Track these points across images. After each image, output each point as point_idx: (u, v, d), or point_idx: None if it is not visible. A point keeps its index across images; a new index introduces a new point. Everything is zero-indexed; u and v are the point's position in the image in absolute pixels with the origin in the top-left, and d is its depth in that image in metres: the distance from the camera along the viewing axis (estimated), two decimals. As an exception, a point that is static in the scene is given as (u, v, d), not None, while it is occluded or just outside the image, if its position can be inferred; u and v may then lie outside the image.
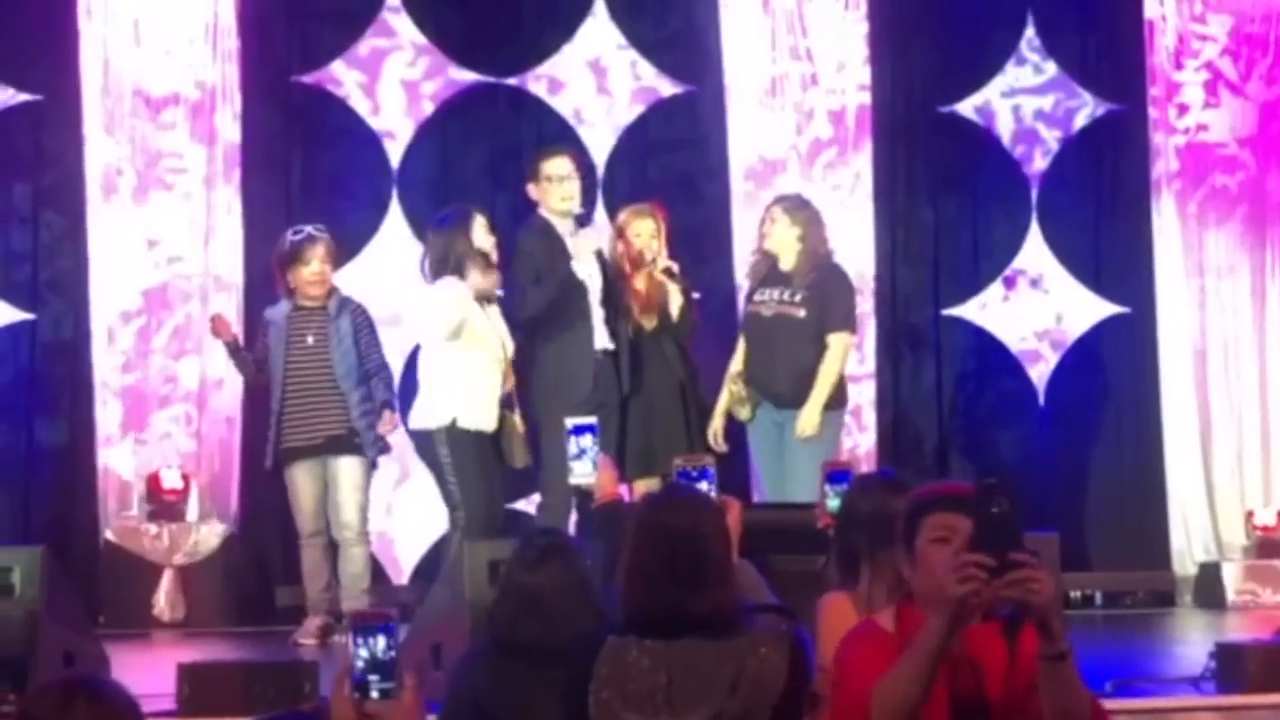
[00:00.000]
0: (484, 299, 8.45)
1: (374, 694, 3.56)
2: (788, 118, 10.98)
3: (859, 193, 10.91)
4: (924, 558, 3.80)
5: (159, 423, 10.38)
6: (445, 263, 8.43)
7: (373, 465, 8.87)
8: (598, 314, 8.42)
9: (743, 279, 9.55)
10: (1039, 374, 11.26)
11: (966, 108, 11.28)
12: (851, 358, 9.14)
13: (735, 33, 10.95)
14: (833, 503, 5.00)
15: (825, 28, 11.03)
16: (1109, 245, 11.37)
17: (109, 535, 10.15)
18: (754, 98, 10.97)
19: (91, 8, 10.41)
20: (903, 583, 4.37)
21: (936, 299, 11.20)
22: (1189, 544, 11.03)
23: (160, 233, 10.45)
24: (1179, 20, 11.36)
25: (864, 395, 10.50)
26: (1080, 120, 11.37)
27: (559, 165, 8.65)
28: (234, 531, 10.25)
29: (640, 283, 8.45)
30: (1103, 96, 11.35)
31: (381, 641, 3.65)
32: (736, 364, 8.81)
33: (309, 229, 8.86)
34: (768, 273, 8.80)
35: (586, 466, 5.89)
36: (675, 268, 8.41)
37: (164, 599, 10.02)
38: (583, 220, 8.61)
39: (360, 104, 10.77)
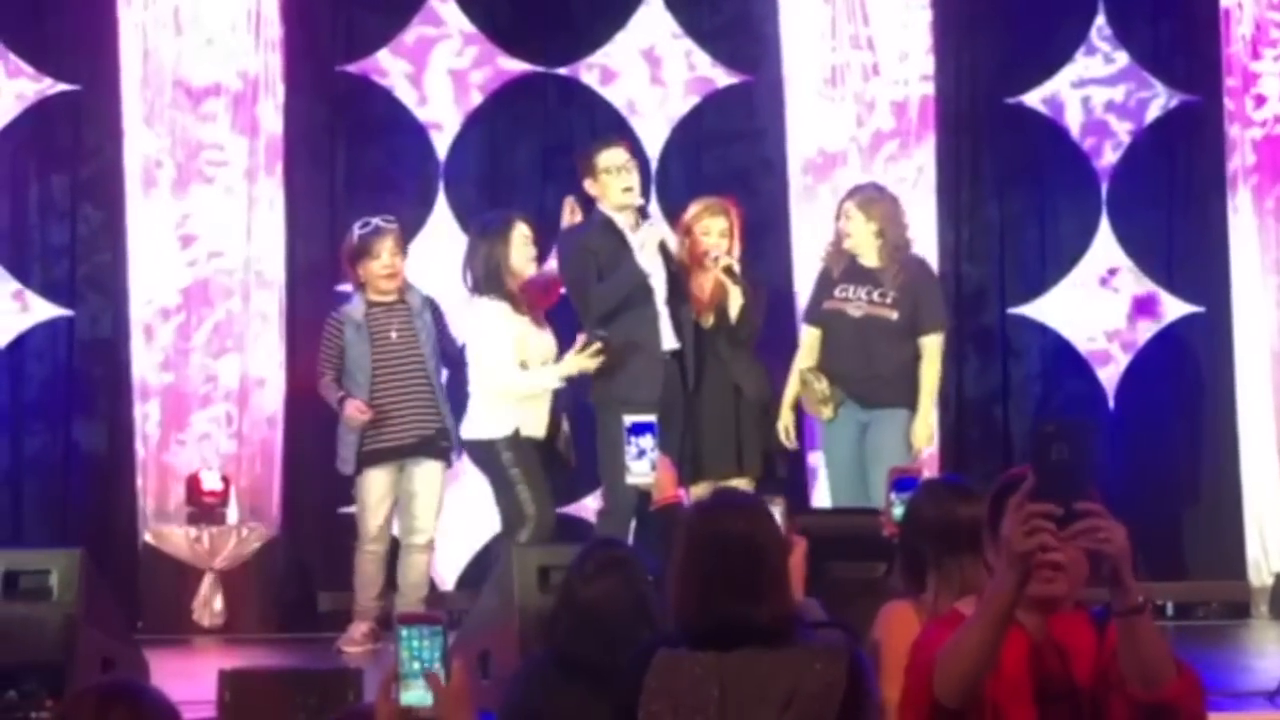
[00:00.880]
0: (521, 305, 8.46)
1: (423, 692, 3.57)
2: (848, 109, 10.92)
3: (922, 187, 10.82)
4: (1010, 522, 3.59)
5: (199, 423, 10.38)
6: (484, 276, 8.49)
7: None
8: (663, 312, 8.38)
9: (803, 277, 9.49)
10: (1109, 376, 11.18)
11: (1034, 99, 11.20)
12: (942, 357, 9.04)
13: (794, 20, 10.89)
14: (898, 510, 4.96)
15: (887, 15, 10.97)
16: (1182, 242, 11.30)
17: (148, 538, 10.17)
18: (813, 88, 10.91)
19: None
20: (968, 591, 4.36)
21: (1003, 297, 11.14)
22: (1265, 554, 10.92)
23: (200, 227, 10.44)
24: (1256, 7, 11.28)
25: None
26: (1153, 112, 11.29)
27: (615, 156, 8.60)
28: (275, 535, 10.25)
29: (701, 282, 8.41)
30: (1176, 87, 11.27)
31: (430, 644, 3.65)
32: (809, 359, 8.78)
33: (376, 220, 8.90)
34: (849, 267, 8.78)
35: (645, 467, 5.89)
36: (737, 268, 8.37)
37: (204, 604, 10.06)
38: (643, 213, 8.54)
39: (406, 94, 10.75)
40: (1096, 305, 11.25)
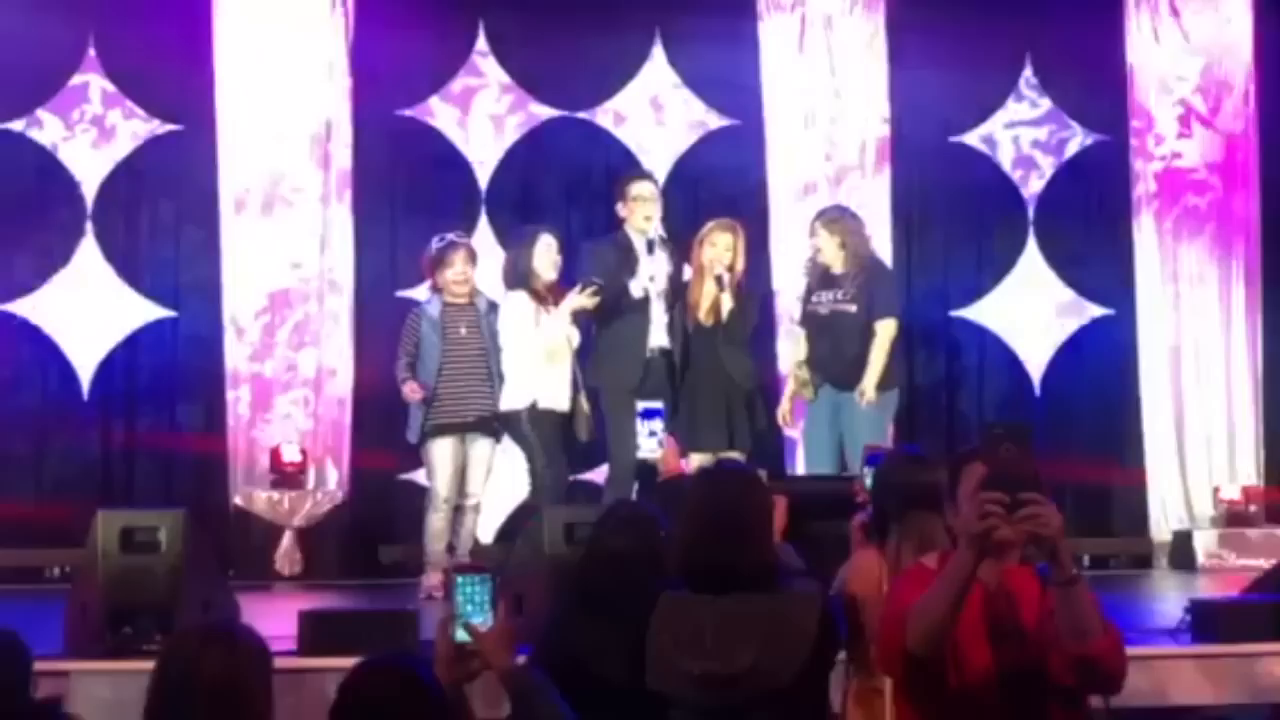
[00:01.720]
0: (545, 302, 8.44)
1: (474, 628, 3.57)
2: (818, 146, 10.94)
3: (880, 211, 10.81)
4: (967, 506, 3.71)
5: (281, 405, 10.40)
6: (513, 275, 8.54)
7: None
8: (660, 319, 8.38)
9: (780, 284, 9.48)
10: (1035, 367, 11.20)
11: (973, 138, 11.27)
12: (893, 338, 8.89)
13: (774, 74, 10.95)
14: (869, 481, 4.92)
15: (850, 68, 11.00)
16: (1096, 256, 11.34)
17: (238, 501, 10.18)
18: (790, 129, 10.93)
19: (225, 50, 10.42)
20: (929, 541, 4.36)
21: (946, 302, 11.16)
22: (1165, 516, 11.03)
23: (283, 243, 10.45)
24: (1158, 61, 11.30)
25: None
26: (1071, 149, 11.36)
27: (644, 188, 8.68)
28: (344, 498, 10.25)
29: (697, 287, 8.43)
30: (1090, 128, 11.35)
31: (480, 590, 3.66)
32: (799, 354, 8.82)
33: (451, 236, 8.89)
34: (822, 276, 8.82)
35: (653, 444, 5.96)
36: (726, 278, 8.37)
37: (284, 555, 10.06)
38: (651, 246, 8.53)
39: (454, 134, 10.77)
40: (1025, 308, 11.25)
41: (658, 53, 10.92)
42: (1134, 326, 11.21)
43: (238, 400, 10.36)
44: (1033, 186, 11.29)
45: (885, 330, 8.71)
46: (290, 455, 10.19)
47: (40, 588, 8.99)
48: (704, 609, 4.05)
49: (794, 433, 9.44)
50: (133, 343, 10.45)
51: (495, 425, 8.60)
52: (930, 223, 11.17)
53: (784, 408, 8.95)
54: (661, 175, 10.32)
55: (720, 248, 8.45)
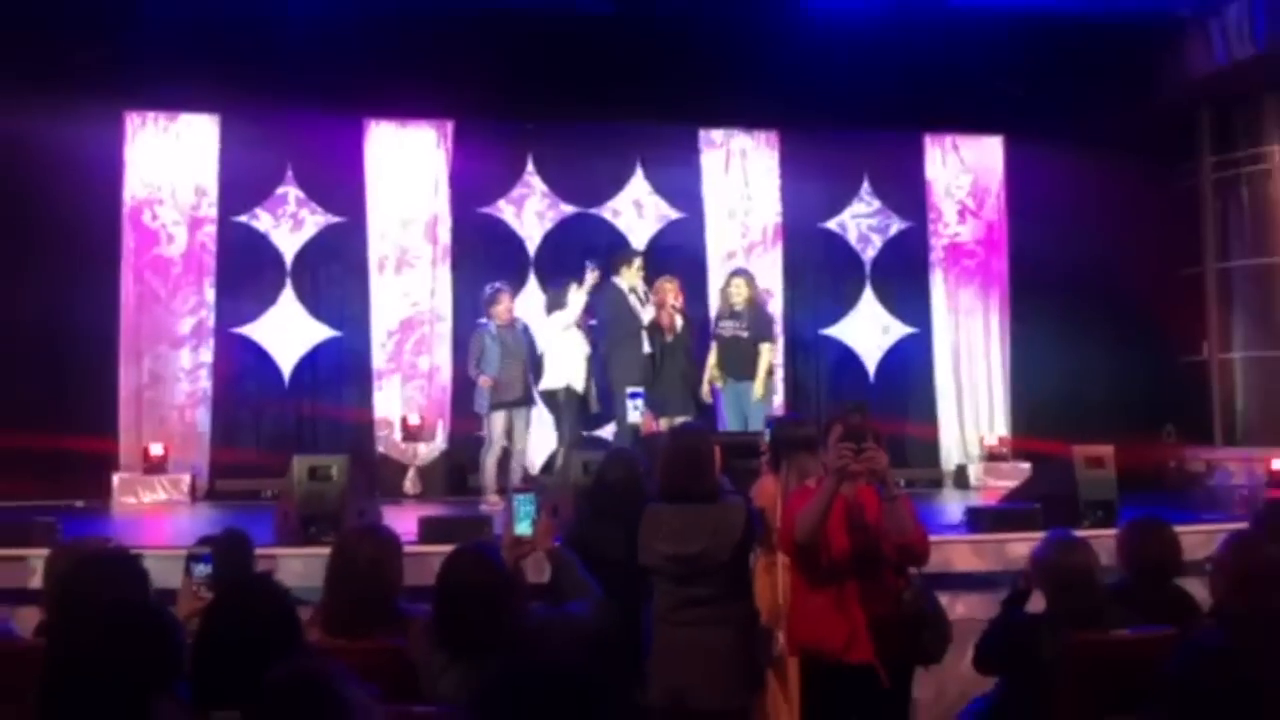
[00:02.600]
0: (573, 326, 8.55)
1: (527, 527, 3.58)
2: (737, 230, 10.94)
3: (775, 270, 10.84)
4: (832, 451, 3.87)
5: (407, 390, 10.37)
6: (553, 308, 8.67)
7: None
8: (645, 336, 8.46)
9: (714, 315, 9.50)
10: (871, 364, 11.20)
11: (832, 224, 11.23)
12: (771, 356, 9.02)
13: (710, 185, 10.94)
14: (768, 435, 4.95)
15: (757, 181, 11.00)
16: (906, 295, 11.28)
17: (381, 449, 10.16)
18: (718, 219, 10.92)
19: (372, 170, 10.42)
20: (805, 471, 4.37)
21: (816, 324, 11.12)
22: (949, 456, 11.02)
23: (408, 290, 10.43)
24: (945, 176, 11.33)
25: (779, 376, 10.41)
26: (892, 231, 11.31)
27: (636, 261, 8.91)
28: (445, 447, 10.22)
29: (662, 316, 8.46)
30: (903, 218, 11.32)
31: (530, 500, 3.68)
32: (712, 359, 8.80)
33: (497, 284, 9.00)
34: (729, 311, 8.79)
35: (637, 415, 5.95)
36: (678, 307, 8.42)
37: (410, 482, 10.07)
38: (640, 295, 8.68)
39: (514, 222, 10.74)
40: (864, 328, 11.23)
41: (639, 172, 10.89)
42: (930, 339, 11.20)
43: (380, 389, 10.33)
44: (869, 254, 11.24)
45: (766, 350, 8.78)
46: (413, 420, 10.20)
47: (259, 503, 8.96)
48: (673, 514, 4.07)
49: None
50: (315, 352, 10.40)
51: (531, 402, 8.66)
52: (807, 274, 11.10)
53: (705, 389, 8.89)
54: (640, 248, 10.33)
55: (670, 291, 8.65)
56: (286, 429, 10.24)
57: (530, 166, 10.74)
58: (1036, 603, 4.00)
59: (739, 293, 8.73)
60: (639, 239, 10.65)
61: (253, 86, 9.43)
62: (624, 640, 4.19)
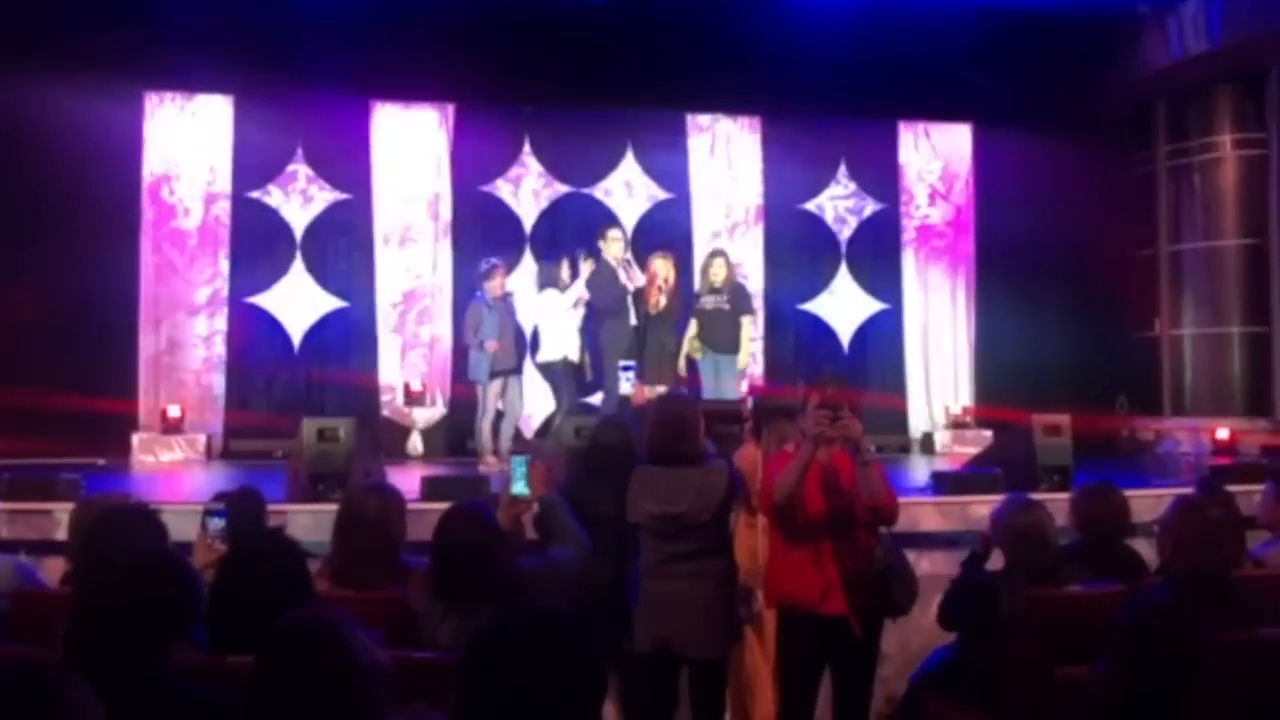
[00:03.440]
0: (563, 294, 8.48)
1: (523, 488, 3.59)
2: (721, 209, 10.90)
3: (757, 248, 10.81)
4: (809, 419, 3.85)
5: (410, 357, 10.36)
6: (546, 282, 8.62)
7: None
8: (632, 309, 8.38)
9: (696, 291, 9.47)
10: (845, 337, 11.21)
11: (810, 205, 11.22)
12: (752, 329, 8.95)
13: (696, 168, 10.91)
14: (750, 404, 4.95)
15: (740, 164, 10.96)
16: (880, 274, 11.30)
17: (385, 413, 10.15)
18: (704, 200, 10.89)
19: (378, 150, 10.35)
20: (784, 438, 4.37)
21: (795, 300, 11.10)
22: (916, 424, 11.05)
23: (411, 263, 10.38)
24: (916, 162, 11.32)
25: (758, 347, 10.42)
26: (866, 212, 11.32)
27: (616, 234, 8.74)
28: (445, 412, 10.22)
29: (650, 291, 8.41)
30: (878, 200, 11.32)
31: (523, 462, 3.69)
32: (692, 331, 8.66)
33: (494, 260, 8.83)
34: (710, 286, 8.67)
35: (628, 386, 5.93)
36: (666, 287, 8.36)
37: (411, 444, 10.06)
38: (625, 263, 8.56)
39: (511, 201, 10.70)
40: (839, 304, 11.24)
41: (629, 155, 10.84)
42: (901, 314, 11.23)
43: (383, 356, 10.30)
44: (844, 234, 11.25)
45: (746, 322, 8.70)
46: (415, 386, 10.18)
47: (270, 462, 8.96)
48: (660, 476, 4.07)
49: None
50: (323, 322, 10.37)
51: (522, 368, 8.56)
52: (786, 253, 11.08)
53: (681, 361, 8.66)
54: (630, 227, 10.30)
55: (663, 267, 8.47)
56: (296, 393, 10.22)
57: (527, 148, 10.68)
58: (996, 563, 4.04)
59: (718, 271, 8.70)
60: (629, 218, 10.61)
61: (265, 69, 9.37)
62: (612, 590, 4.23)
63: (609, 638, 4.46)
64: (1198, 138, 10.85)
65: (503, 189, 10.66)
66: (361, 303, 10.35)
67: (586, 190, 10.77)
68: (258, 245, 10.23)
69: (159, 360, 9.92)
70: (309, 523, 5.32)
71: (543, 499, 3.74)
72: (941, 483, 6.29)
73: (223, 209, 10.13)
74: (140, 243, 9.96)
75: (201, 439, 9.60)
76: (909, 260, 11.25)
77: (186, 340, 10.00)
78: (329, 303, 10.37)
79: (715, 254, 8.94)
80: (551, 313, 8.43)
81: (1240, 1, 9.47)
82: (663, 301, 8.36)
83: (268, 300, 10.27)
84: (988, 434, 10.26)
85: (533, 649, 1.41)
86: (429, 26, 9.29)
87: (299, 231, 10.32)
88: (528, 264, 10.30)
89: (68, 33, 8.86)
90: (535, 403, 9.54)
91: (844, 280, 11.20)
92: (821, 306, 11.18)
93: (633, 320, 8.40)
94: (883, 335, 11.22)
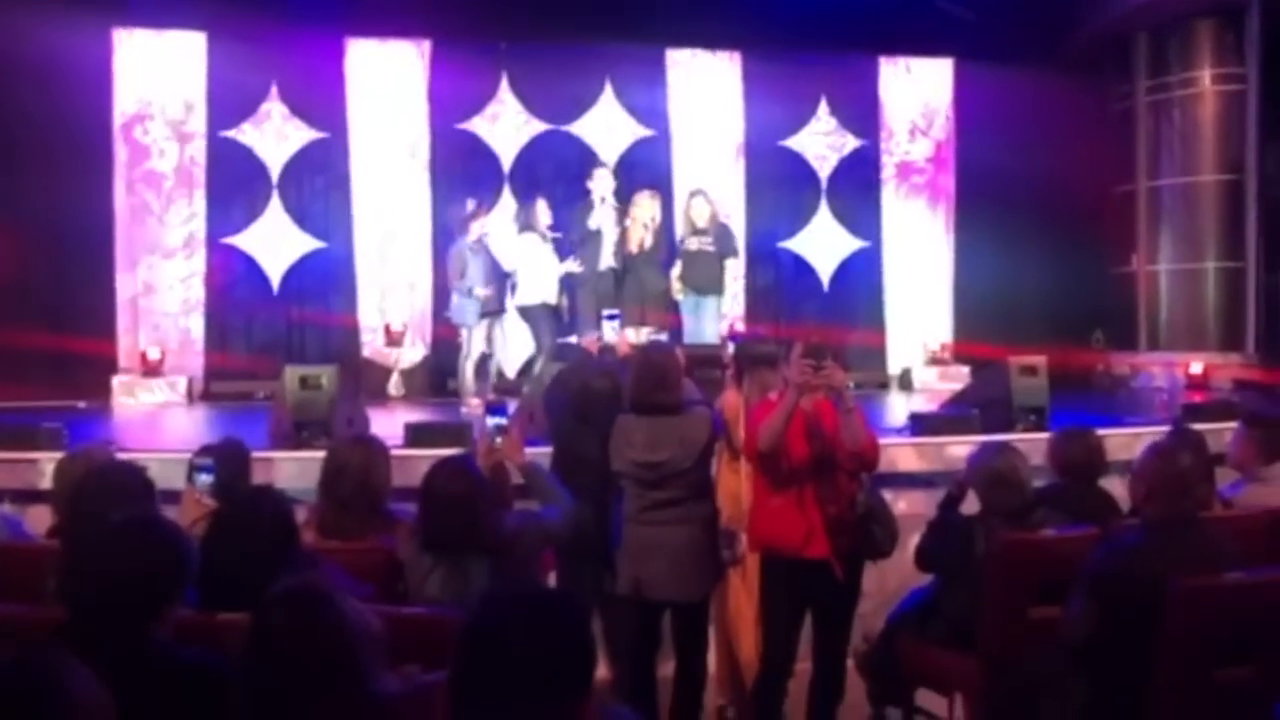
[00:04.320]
0: (545, 240, 8.35)
1: (497, 439, 3.63)
2: (702, 147, 10.82)
3: (738, 186, 10.75)
4: (796, 366, 3.87)
5: (390, 299, 10.29)
6: (524, 224, 8.45)
7: None
8: (609, 249, 8.29)
9: (680, 230, 9.42)
10: (825, 275, 11.21)
11: (791, 142, 11.13)
12: (730, 269, 8.89)
13: (676, 104, 10.79)
14: (730, 349, 4.96)
15: (721, 101, 10.86)
16: (861, 211, 11.27)
17: (366, 354, 10.15)
18: (683, 137, 10.81)
19: (353, 88, 10.23)
20: (766, 388, 4.40)
21: (775, 238, 11.08)
22: (893, 360, 11.10)
23: (389, 203, 10.28)
24: (897, 98, 11.27)
25: (739, 287, 10.44)
26: (847, 149, 11.24)
27: (602, 173, 8.62)
28: (427, 353, 10.21)
29: (633, 229, 8.34)
30: (858, 137, 11.25)
31: (499, 415, 3.73)
32: (677, 272, 8.60)
33: (476, 201, 8.72)
34: (695, 229, 8.62)
35: (613, 335, 5.89)
36: (649, 225, 8.33)
37: (393, 385, 10.08)
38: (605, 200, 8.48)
39: (489, 138, 10.59)
40: (819, 241, 11.22)
41: (608, 91, 10.72)
42: (881, 252, 11.21)
43: (363, 297, 10.26)
44: (825, 171, 11.18)
45: (730, 264, 8.70)
46: (396, 327, 10.16)
47: (252, 404, 8.99)
48: (642, 425, 4.12)
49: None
50: (302, 262, 10.31)
51: (505, 311, 8.48)
52: (767, 190, 11.00)
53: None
54: (610, 164, 10.23)
55: (648, 207, 8.42)
56: (276, 334, 10.21)
57: (505, 85, 10.56)
58: (972, 507, 4.11)
59: (701, 211, 8.65)
60: (608, 155, 10.50)
61: (238, 4, 9.20)
62: (596, 535, 4.30)
63: (592, 580, 4.55)
64: (1178, 72, 10.82)
65: (480, 126, 10.55)
66: (340, 243, 10.28)
67: (565, 127, 10.66)
68: (234, 185, 10.13)
69: (136, 303, 9.86)
70: (294, 470, 5.34)
71: (523, 466, 3.78)
72: (919, 424, 6.34)
73: (198, 149, 10.01)
74: (114, 184, 9.84)
75: (182, 381, 9.59)
76: (889, 197, 11.23)
77: (164, 282, 9.93)
78: (307, 243, 10.30)
79: (695, 194, 8.87)
80: (531, 256, 8.37)
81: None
82: (649, 241, 8.32)
83: (245, 241, 10.20)
84: (965, 370, 10.35)
85: (524, 628, 1.44)
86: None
87: (275, 171, 10.21)
88: (507, 202, 10.22)
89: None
90: (515, 344, 9.55)
91: (824, 218, 11.17)
92: (801, 244, 11.15)
93: (608, 260, 8.29)
94: (862, 272, 11.20)
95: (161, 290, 9.92)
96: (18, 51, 8.90)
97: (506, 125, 10.57)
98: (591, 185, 8.48)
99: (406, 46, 10.33)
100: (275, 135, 10.20)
